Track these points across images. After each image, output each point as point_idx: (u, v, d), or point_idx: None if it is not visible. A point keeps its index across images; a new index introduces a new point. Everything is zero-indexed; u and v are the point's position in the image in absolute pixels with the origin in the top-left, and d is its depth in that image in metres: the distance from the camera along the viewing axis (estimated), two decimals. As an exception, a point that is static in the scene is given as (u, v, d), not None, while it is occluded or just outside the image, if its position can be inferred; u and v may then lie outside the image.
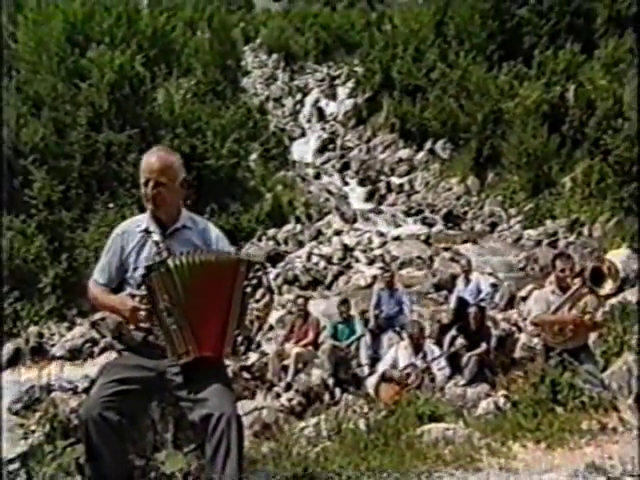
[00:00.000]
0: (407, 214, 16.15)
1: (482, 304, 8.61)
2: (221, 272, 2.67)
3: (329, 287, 12.07)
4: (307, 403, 7.57)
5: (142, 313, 2.63)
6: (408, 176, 18.07)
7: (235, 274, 2.67)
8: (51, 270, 11.82)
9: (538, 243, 13.05)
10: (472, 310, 8.03)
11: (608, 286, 4.92)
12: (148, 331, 2.68)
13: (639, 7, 16.62)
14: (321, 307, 10.18)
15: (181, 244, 2.76)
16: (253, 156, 17.81)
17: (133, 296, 2.68)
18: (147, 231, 2.79)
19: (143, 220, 2.84)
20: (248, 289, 2.67)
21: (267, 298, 2.71)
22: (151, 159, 2.78)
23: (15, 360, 9.64)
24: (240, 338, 2.67)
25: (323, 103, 23.09)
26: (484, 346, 7.72)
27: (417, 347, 7.71)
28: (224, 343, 2.67)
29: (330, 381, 8.02)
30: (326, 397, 7.79)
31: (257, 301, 2.69)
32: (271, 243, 13.95)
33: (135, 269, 2.75)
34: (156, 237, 2.78)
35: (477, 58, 17.86)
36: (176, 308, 2.61)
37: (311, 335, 8.43)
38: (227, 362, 2.83)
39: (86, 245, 12.33)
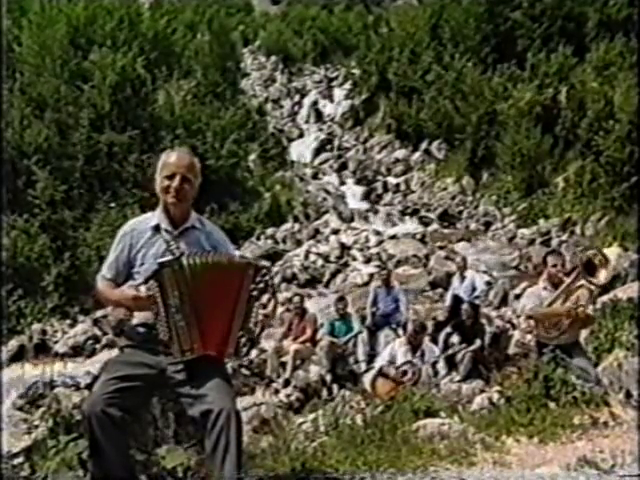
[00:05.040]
0: (403, 213, 16.17)
1: (476, 301, 8.70)
2: (230, 274, 2.73)
3: (327, 285, 12.19)
4: (305, 399, 7.66)
5: (143, 300, 2.68)
6: (404, 176, 18.06)
7: (243, 277, 2.72)
8: (54, 268, 11.97)
9: (531, 242, 13.13)
10: (464, 307, 8.16)
11: (603, 275, 4.93)
12: (151, 327, 2.71)
13: (630, 11, 16.83)
14: (319, 305, 10.36)
15: (190, 244, 2.79)
16: (252, 156, 17.83)
17: (136, 288, 2.74)
18: (157, 228, 2.81)
19: (153, 217, 2.86)
20: (255, 292, 2.72)
21: (272, 302, 2.75)
22: (178, 155, 2.83)
23: (19, 357, 9.75)
24: (244, 339, 2.72)
25: (321, 104, 23.03)
26: (478, 343, 7.83)
27: (414, 345, 7.80)
28: (228, 343, 2.71)
29: (328, 377, 8.10)
30: (324, 393, 7.88)
31: (263, 305, 2.73)
32: (270, 242, 14.05)
33: (142, 264, 2.78)
34: (166, 235, 2.79)
35: (472, 60, 17.86)
36: (185, 305, 2.64)
37: (309, 332, 8.49)
38: (226, 359, 2.86)
39: (88, 244, 12.48)
